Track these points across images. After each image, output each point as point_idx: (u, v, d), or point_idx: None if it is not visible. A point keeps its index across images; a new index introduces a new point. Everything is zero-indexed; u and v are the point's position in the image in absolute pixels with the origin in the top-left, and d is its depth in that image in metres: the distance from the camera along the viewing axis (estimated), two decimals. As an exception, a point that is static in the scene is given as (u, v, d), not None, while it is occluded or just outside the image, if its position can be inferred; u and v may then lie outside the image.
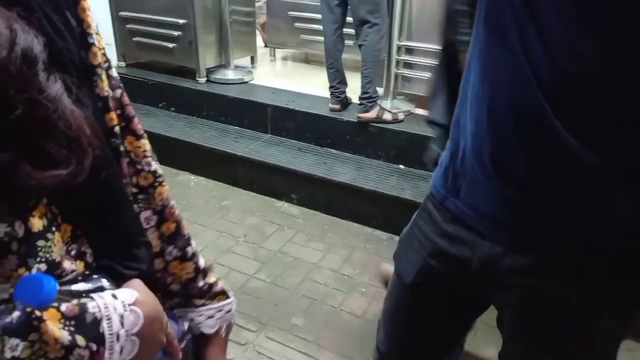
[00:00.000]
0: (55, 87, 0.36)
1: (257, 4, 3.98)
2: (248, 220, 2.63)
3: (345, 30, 2.84)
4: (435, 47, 2.84)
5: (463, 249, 0.77)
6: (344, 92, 2.93)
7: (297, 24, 3.75)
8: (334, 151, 2.93)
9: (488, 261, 0.74)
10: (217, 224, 2.57)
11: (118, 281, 0.48)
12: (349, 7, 2.70)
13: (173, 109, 3.42)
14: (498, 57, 0.65)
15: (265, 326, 1.91)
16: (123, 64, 3.69)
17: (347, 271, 2.25)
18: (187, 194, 2.86)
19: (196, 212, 2.66)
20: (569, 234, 0.67)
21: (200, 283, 0.64)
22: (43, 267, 0.40)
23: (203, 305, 0.65)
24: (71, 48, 0.42)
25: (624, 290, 0.70)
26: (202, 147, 2.96)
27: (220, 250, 2.36)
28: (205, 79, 3.41)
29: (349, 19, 2.78)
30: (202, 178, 3.03)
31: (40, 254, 0.40)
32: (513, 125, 0.66)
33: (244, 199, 2.84)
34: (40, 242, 0.40)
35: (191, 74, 3.43)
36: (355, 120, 2.82)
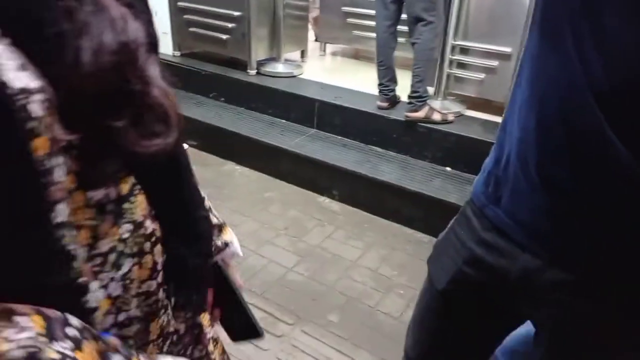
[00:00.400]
0: (153, 68, 0.41)
1: (310, -1, 3.99)
2: (289, 213, 2.65)
3: (399, 27, 2.79)
4: (491, 47, 2.77)
5: (501, 259, 0.74)
6: (394, 90, 2.89)
7: (350, 20, 3.73)
8: (379, 149, 2.90)
9: (527, 274, 0.71)
10: (259, 215, 2.61)
11: (180, 276, 0.54)
12: (404, 3, 2.66)
13: (223, 99, 3.49)
14: (550, 62, 0.62)
15: (301, 320, 1.92)
16: (178, 53, 3.80)
17: (385, 271, 2.23)
18: (231, 183, 2.92)
19: (239, 201, 2.71)
20: (615, 254, 0.63)
21: (219, 242, 0.69)
22: (129, 227, 0.46)
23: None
24: (154, 33, 0.47)
25: None
26: (249, 139, 3.01)
27: (261, 241, 2.40)
28: (256, 71, 3.46)
29: (403, 16, 2.73)
30: (247, 169, 3.08)
31: (126, 215, 0.46)
32: (564, 134, 0.62)
33: (287, 192, 2.86)
34: (126, 205, 0.46)
35: (242, 65, 3.48)
36: (403, 119, 2.77)
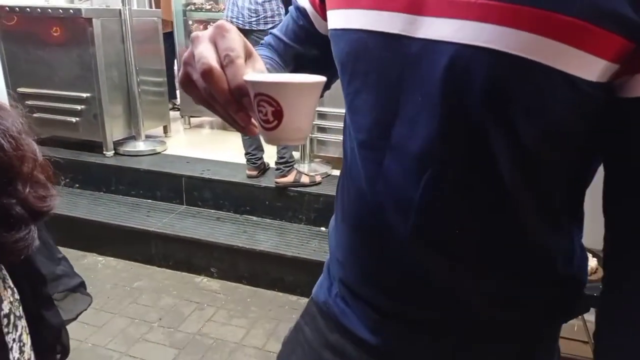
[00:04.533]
0: None
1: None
2: (163, 301, 2.41)
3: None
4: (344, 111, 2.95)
5: None
6: (261, 157, 2.90)
7: (211, 93, 3.74)
8: (254, 218, 2.84)
9: None
10: (127, 310, 2.33)
11: None
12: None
13: (77, 185, 3.18)
14: None
15: None
16: (21, 140, 3.42)
17: (272, 347, 2.10)
18: (94, 278, 2.60)
19: (103, 298, 2.41)
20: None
21: None
22: (10, 291, 0.54)
23: None
24: None
25: None
26: (110, 225, 2.74)
27: (131, 340, 2.12)
28: (113, 152, 3.24)
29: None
30: (112, 258, 2.78)
31: (7, 280, 0.55)
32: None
33: (159, 277, 2.62)
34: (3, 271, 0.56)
35: (98, 147, 3.24)
36: (274, 186, 2.77)
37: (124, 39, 3.25)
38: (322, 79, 0.43)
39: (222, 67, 0.42)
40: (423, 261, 0.55)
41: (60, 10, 3.07)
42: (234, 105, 0.43)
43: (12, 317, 0.52)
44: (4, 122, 0.52)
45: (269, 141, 0.45)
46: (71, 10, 3.05)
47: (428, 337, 0.60)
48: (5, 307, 0.51)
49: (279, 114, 0.41)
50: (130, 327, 2.21)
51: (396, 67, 0.50)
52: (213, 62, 0.42)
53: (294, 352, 0.76)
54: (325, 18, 0.62)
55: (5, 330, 0.50)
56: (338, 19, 0.57)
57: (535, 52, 0.42)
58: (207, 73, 0.41)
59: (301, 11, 0.68)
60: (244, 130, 0.45)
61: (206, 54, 0.42)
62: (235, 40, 0.43)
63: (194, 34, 0.45)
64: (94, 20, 3.05)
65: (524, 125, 0.46)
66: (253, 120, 0.45)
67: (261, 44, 0.72)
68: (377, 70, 0.52)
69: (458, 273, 0.55)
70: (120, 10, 3.21)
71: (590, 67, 0.42)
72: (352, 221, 0.61)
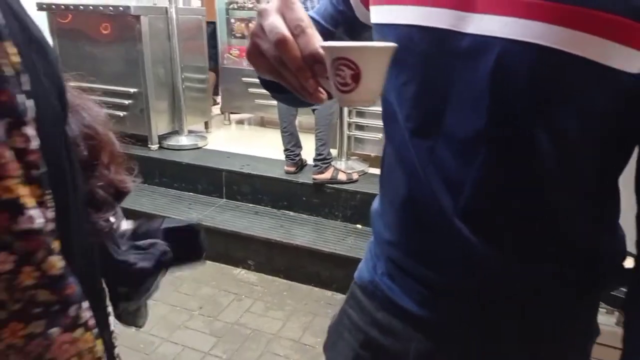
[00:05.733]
0: None
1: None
2: (203, 290, 2.50)
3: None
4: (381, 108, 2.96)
5: (397, 342, 0.70)
6: (299, 154, 2.95)
7: (252, 89, 3.81)
8: (291, 213, 2.89)
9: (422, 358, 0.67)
10: (169, 297, 2.42)
11: None
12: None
13: (124, 177, 3.31)
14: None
15: (222, 409, 1.76)
16: (72, 133, 3.59)
17: (308, 340, 2.14)
18: (137, 265, 2.71)
19: (147, 285, 2.51)
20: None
21: None
22: None
23: None
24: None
25: None
26: (153, 216, 2.85)
27: (172, 326, 2.21)
28: (158, 145, 3.36)
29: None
30: (154, 248, 2.89)
31: None
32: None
33: (198, 268, 2.69)
34: None
35: (143, 141, 3.37)
36: (311, 182, 2.81)
37: (170, 36, 3.36)
38: (395, 45, 0.46)
39: (294, 36, 0.45)
40: (471, 238, 0.58)
41: (111, 8, 3.21)
42: (306, 71, 0.45)
43: None
44: (90, 114, 0.57)
45: (344, 103, 0.48)
46: (120, 8, 3.18)
47: (474, 308, 0.63)
48: None
49: (357, 77, 0.44)
50: (172, 314, 2.30)
51: (446, 60, 0.54)
52: (286, 31, 0.44)
53: (341, 336, 0.79)
54: (367, 7, 0.66)
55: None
56: (384, 14, 0.61)
57: (580, 48, 0.45)
58: (281, 42, 0.44)
59: None
60: (311, 96, 0.47)
61: (277, 23, 0.45)
62: (302, 11, 0.46)
63: (260, 7, 0.48)
64: (141, 17, 3.16)
65: (566, 116, 0.49)
66: (320, 88, 0.48)
67: None
68: (426, 63, 0.56)
69: (505, 250, 0.58)
70: (166, 8, 3.32)
71: (633, 61, 0.45)
72: (403, 203, 0.64)
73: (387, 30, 0.60)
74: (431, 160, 0.58)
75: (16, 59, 0.35)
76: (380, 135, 2.92)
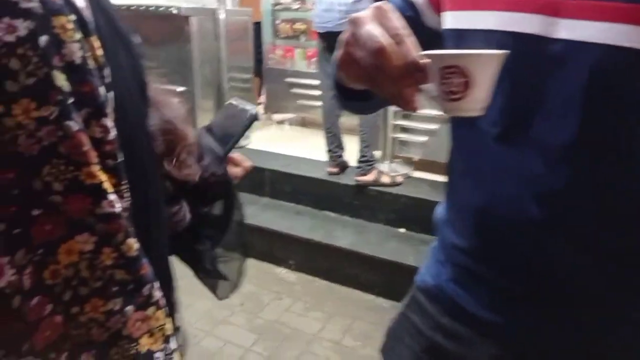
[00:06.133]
0: None
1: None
2: (244, 287, 2.50)
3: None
4: (431, 112, 2.91)
5: (461, 347, 0.69)
6: (342, 155, 2.94)
7: (294, 90, 3.84)
8: (333, 215, 2.89)
9: None
10: (211, 293, 2.46)
11: None
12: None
13: (170, 173, 3.40)
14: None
15: (263, 407, 1.77)
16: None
17: (348, 342, 2.13)
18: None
19: (190, 279, 2.56)
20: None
21: None
22: None
23: None
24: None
25: None
26: (198, 212, 2.91)
27: (215, 321, 2.24)
28: (203, 143, 3.43)
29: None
30: (198, 243, 2.95)
31: None
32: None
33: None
34: None
35: (189, 138, 3.45)
36: (354, 184, 2.80)
37: (217, 36, 3.43)
38: (507, 52, 0.45)
39: (393, 44, 0.44)
40: (552, 247, 0.57)
41: (161, 9, 3.30)
42: (407, 79, 0.44)
43: None
44: (172, 110, 0.59)
45: (451, 111, 0.46)
46: (171, 9, 3.27)
47: (550, 315, 0.62)
48: None
49: (466, 85, 0.43)
50: (214, 309, 2.34)
51: (535, 65, 0.53)
52: (385, 40, 0.44)
53: (401, 340, 0.78)
54: (437, 12, 0.65)
55: None
56: (463, 20, 0.59)
57: None
58: (381, 51, 0.43)
59: (408, 3, 0.70)
60: (407, 104, 0.47)
61: (376, 32, 0.44)
62: (401, 20, 0.45)
63: (353, 16, 0.47)
64: (190, 18, 3.24)
65: None
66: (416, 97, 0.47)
67: None
68: (511, 69, 0.54)
69: (598, 258, 0.57)
70: (214, 9, 3.39)
71: None
72: (480, 210, 0.63)
73: (468, 35, 0.59)
74: (518, 167, 0.56)
75: (100, 52, 0.36)
76: (425, 138, 2.87)
